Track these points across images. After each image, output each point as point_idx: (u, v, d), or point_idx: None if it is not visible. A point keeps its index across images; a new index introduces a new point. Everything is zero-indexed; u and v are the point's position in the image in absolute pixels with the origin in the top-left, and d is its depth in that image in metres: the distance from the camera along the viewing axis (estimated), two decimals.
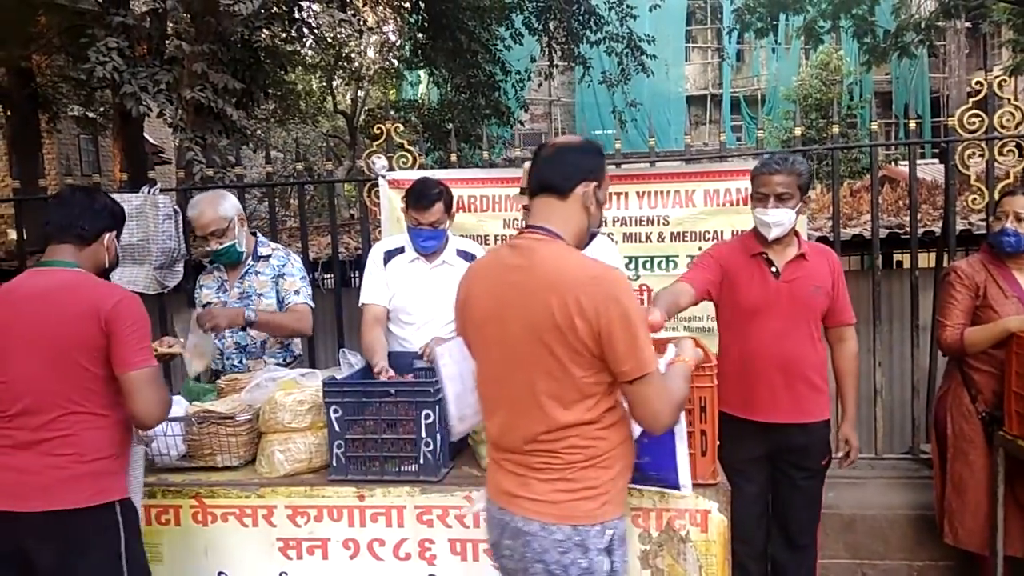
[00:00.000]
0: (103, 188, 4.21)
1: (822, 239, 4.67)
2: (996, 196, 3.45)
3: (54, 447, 2.09)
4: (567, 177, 1.88)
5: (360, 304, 3.23)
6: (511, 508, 1.85)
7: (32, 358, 2.08)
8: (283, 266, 3.34)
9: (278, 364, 3.25)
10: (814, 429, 2.83)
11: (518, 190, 3.78)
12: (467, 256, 3.27)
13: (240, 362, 3.31)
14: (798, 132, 3.98)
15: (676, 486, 2.18)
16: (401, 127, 4.05)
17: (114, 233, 2.36)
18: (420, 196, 3.08)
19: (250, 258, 3.34)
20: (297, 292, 3.30)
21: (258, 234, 3.47)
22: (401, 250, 3.25)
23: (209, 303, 3.34)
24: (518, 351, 1.80)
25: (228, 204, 3.25)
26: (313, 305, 3.34)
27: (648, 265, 3.78)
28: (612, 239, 3.73)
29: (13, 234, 4.87)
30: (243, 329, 3.23)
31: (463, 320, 2.00)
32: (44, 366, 2.08)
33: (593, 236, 2.04)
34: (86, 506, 2.09)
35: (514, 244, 1.90)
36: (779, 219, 2.69)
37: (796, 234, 2.84)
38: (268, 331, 3.27)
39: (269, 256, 3.35)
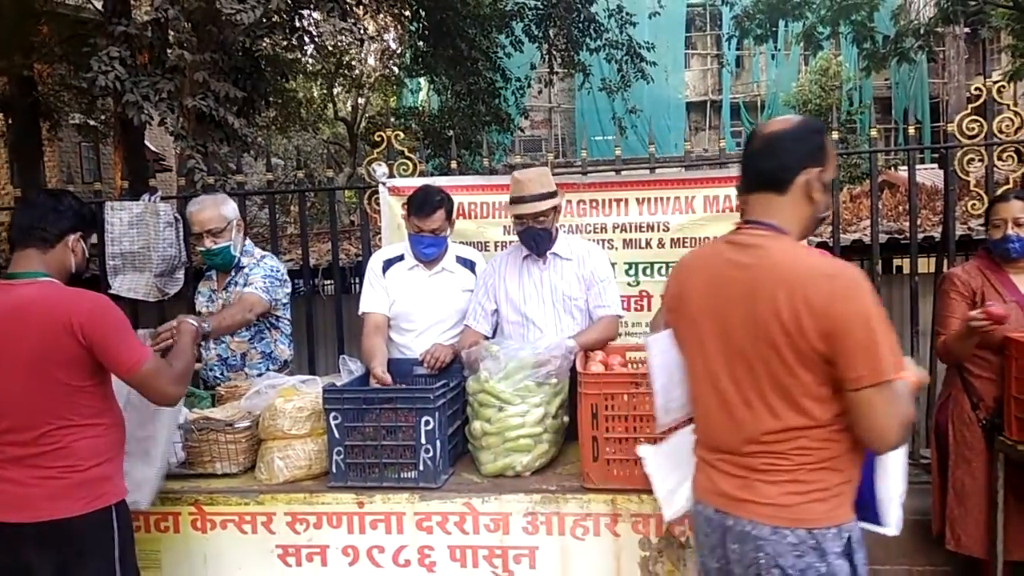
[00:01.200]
0: (104, 195, 4.22)
1: (822, 244, 4.68)
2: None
3: (47, 460, 2.08)
4: (785, 168, 1.73)
5: (360, 313, 3.24)
6: (735, 511, 1.73)
7: (10, 377, 2.06)
8: (251, 270, 3.28)
9: (259, 374, 3.21)
10: None
11: None
12: (466, 263, 3.28)
13: (222, 374, 3.31)
14: None
15: (877, 522, 1.90)
16: (401, 134, 4.06)
17: (79, 235, 2.27)
18: (422, 204, 3.09)
19: (233, 269, 3.32)
20: (251, 285, 3.20)
21: (248, 244, 3.42)
22: (400, 258, 3.26)
23: (201, 312, 3.33)
24: (741, 349, 1.70)
25: (229, 207, 3.26)
26: (263, 296, 3.18)
27: (648, 271, 3.78)
28: (612, 246, 3.75)
29: None
30: (203, 341, 3.06)
31: (676, 314, 1.90)
32: (23, 384, 2.06)
33: (821, 221, 1.91)
34: (82, 513, 2.09)
35: (734, 240, 1.78)
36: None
37: None
38: (222, 332, 3.14)
39: (245, 266, 3.31)
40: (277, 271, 3.32)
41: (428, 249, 3.14)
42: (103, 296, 2.18)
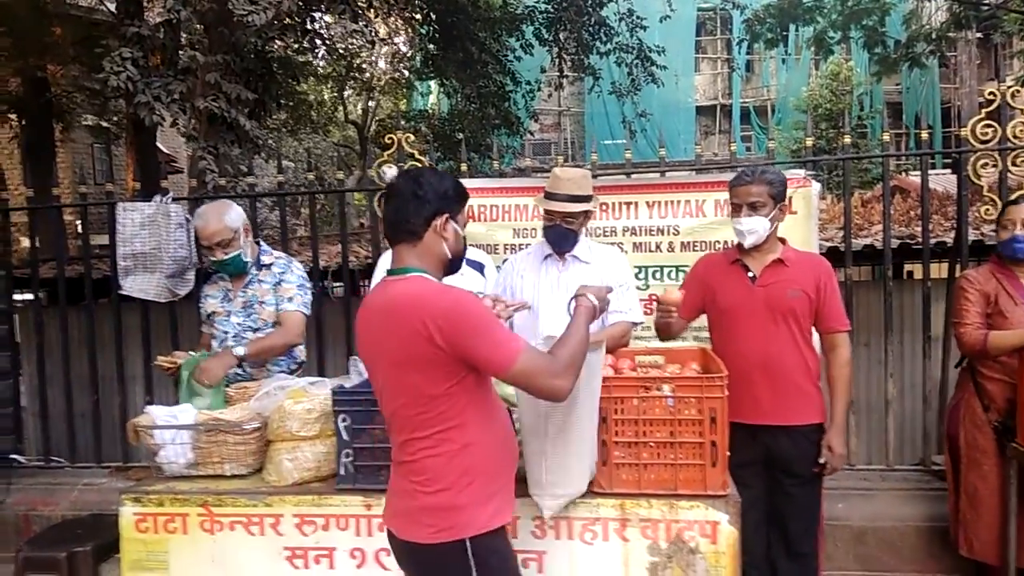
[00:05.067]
0: (116, 197, 4.24)
1: (833, 249, 4.66)
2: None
3: (406, 472, 1.96)
4: None
5: None
6: None
7: (387, 376, 1.95)
8: (283, 273, 3.33)
9: (282, 372, 3.25)
10: (801, 433, 2.84)
11: (528, 200, 3.79)
12: (475, 265, 3.27)
13: (244, 370, 3.31)
14: (809, 142, 3.97)
15: None
16: (411, 137, 4.07)
17: (446, 216, 2.00)
18: None
19: (254, 267, 3.34)
20: (290, 299, 3.27)
21: (261, 243, 3.47)
22: None
23: (213, 312, 3.34)
24: None
25: (234, 214, 3.24)
26: (307, 312, 3.31)
27: (658, 275, 3.77)
28: (622, 249, 3.74)
29: (27, 242, 4.90)
30: (239, 365, 3.18)
31: None
32: (392, 386, 1.94)
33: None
34: (428, 543, 1.90)
35: None
36: (752, 227, 2.80)
37: (782, 241, 2.93)
38: (258, 358, 3.23)
39: (271, 264, 3.35)
40: (306, 278, 3.40)
41: None
42: (465, 292, 1.95)
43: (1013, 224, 3.03)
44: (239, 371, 3.29)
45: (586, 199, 2.98)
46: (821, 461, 2.87)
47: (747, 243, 2.84)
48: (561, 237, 3.01)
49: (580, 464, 2.22)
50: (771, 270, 2.86)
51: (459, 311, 1.84)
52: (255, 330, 3.25)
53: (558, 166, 3.12)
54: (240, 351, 3.11)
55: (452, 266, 2.07)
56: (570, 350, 1.91)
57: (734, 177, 2.92)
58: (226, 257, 3.21)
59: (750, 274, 2.88)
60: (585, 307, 2.05)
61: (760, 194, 2.79)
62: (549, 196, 2.99)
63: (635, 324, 3.11)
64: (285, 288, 3.30)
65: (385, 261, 3.30)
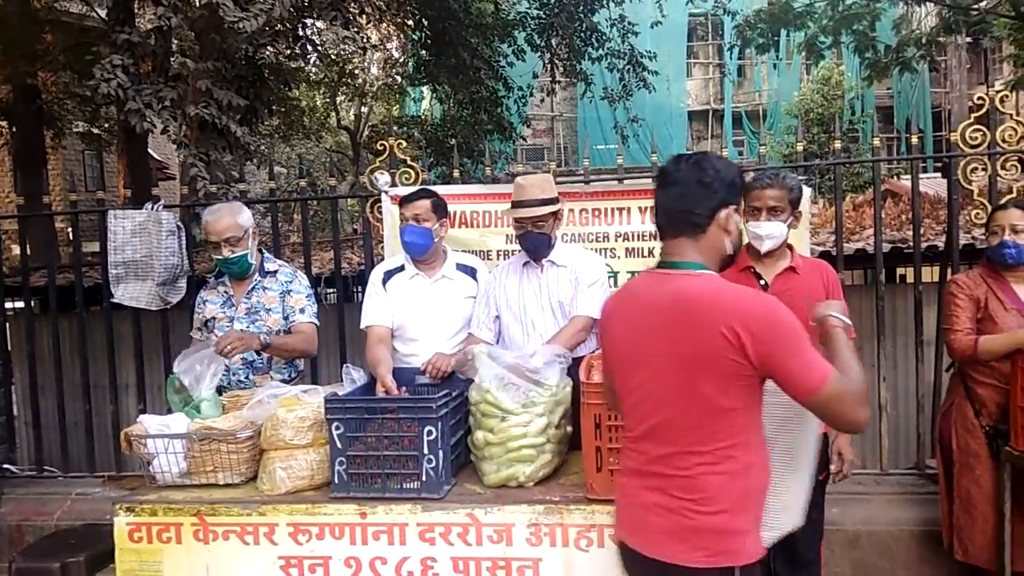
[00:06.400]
0: (107, 204, 4.23)
1: (825, 254, 4.67)
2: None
3: (673, 487, 1.77)
4: None
5: (363, 327, 3.23)
6: None
7: (656, 379, 1.78)
8: (290, 283, 3.34)
9: (283, 380, 3.25)
10: None
11: None
12: (467, 270, 3.29)
13: (247, 377, 3.31)
14: (800, 147, 3.99)
15: None
16: (404, 143, 4.07)
17: (731, 209, 1.83)
18: (408, 194, 3.22)
19: (257, 273, 3.34)
20: (302, 311, 3.30)
21: (264, 250, 3.47)
22: (400, 268, 3.26)
23: (213, 318, 3.33)
24: None
25: (246, 215, 3.28)
26: (318, 323, 3.35)
27: None
28: (614, 255, 3.75)
29: (17, 249, 4.88)
30: (257, 353, 3.22)
31: None
32: (667, 390, 1.76)
33: None
34: (700, 567, 1.73)
35: None
36: (772, 232, 2.76)
37: (790, 248, 2.89)
38: (278, 354, 3.27)
39: (276, 272, 3.36)
40: (311, 287, 3.44)
41: (411, 236, 3.13)
42: (772, 298, 1.80)
43: (1002, 229, 3.03)
44: (241, 379, 3.29)
45: (551, 201, 3.01)
46: (832, 469, 2.87)
47: (764, 248, 2.78)
48: (535, 243, 3.05)
49: (802, 494, 2.03)
50: (783, 278, 2.81)
51: (776, 321, 1.68)
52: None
53: (519, 176, 3.15)
54: (266, 339, 3.12)
55: (728, 262, 1.91)
56: (858, 374, 1.71)
57: (752, 179, 2.84)
58: (232, 256, 3.21)
59: (762, 282, 2.82)
60: (837, 327, 1.87)
61: (780, 198, 2.74)
62: (516, 205, 3.03)
63: (595, 320, 3.10)
64: (295, 299, 3.31)
65: (377, 272, 3.32)
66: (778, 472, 1.92)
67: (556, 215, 3.06)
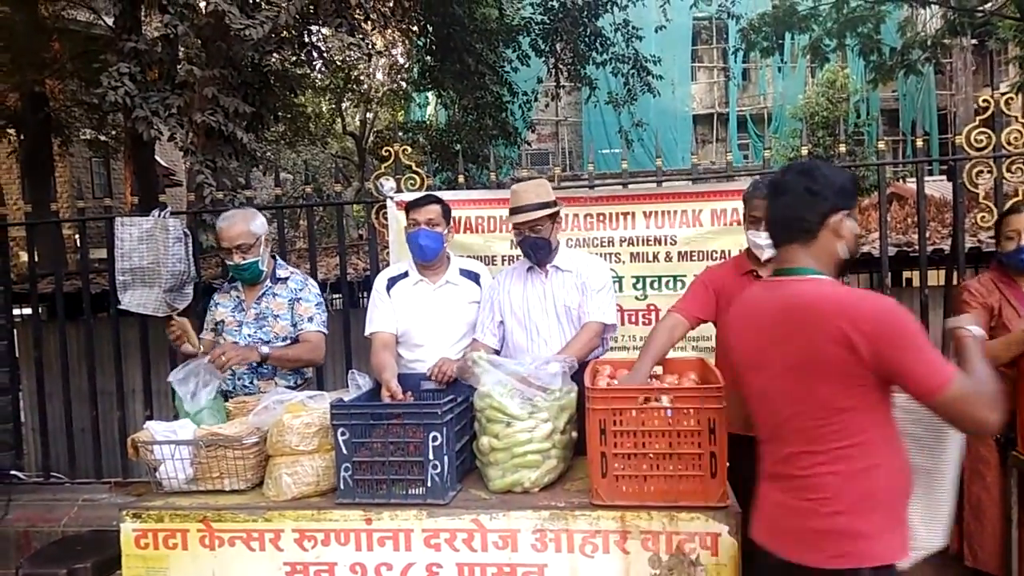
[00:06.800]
0: (114, 211, 4.25)
1: None
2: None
3: (794, 487, 1.80)
4: None
5: (368, 334, 3.24)
6: None
7: (773, 381, 1.83)
8: (300, 290, 3.34)
9: (288, 386, 3.25)
10: None
11: None
12: (470, 275, 3.30)
13: (252, 382, 3.31)
14: (805, 151, 3.99)
15: None
16: (409, 149, 4.09)
17: (843, 214, 1.85)
18: (417, 199, 3.23)
19: (268, 279, 3.35)
20: (311, 319, 3.30)
21: (277, 257, 3.49)
22: (404, 275, 3.27)
23: (223, 321, 3.34)
24: None
25: (259, 222, 3.29)
26: (326, 332, 3.34)
27: (656, 285, 3.78)
28: (619, 259, 3.75)
29: (25, 256, 4.91)
30: (259, 365, 3.22)
31: None
32: (783, 391, 1.81)
33: None
34: (822, 567, 1.73)
35: None
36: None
37: None
38: (281, 364, 3.26)
39: (287, 279, 3.36)
40: (321, 296, 3.43)
41: (424, 240, 3.14)
42: (887, 298, 1.77)
43: (1017, 234, 2.99)
44: (247, 384, 3.30)
45: (548, 204, 3.02)
46: None
47: (765, 256, 2.81)
48: (534, 246, 3.06)
49: (943, 514, 2.02)
50: None
51: (888, 319, 1.68)
52: (266, 343, 3.25)
53: (516, 183, 3.19)
54: (265, 351, 3.12)
55: (845, 267, 1.94)
56: (987, 376, 1.72)
57: (751, 187, 2.87)
58: (244, 262, 3.22)
59: None
60: (971, 338, 1.86)
61: None
62: (513, 211, 3.05)
63: (607, 326, 3.10)
64: (304, 307, 3.31)
65: (381, 279, 3.33)
66: (923, 489, 1.92)
67: (554, 219, 3.07)
